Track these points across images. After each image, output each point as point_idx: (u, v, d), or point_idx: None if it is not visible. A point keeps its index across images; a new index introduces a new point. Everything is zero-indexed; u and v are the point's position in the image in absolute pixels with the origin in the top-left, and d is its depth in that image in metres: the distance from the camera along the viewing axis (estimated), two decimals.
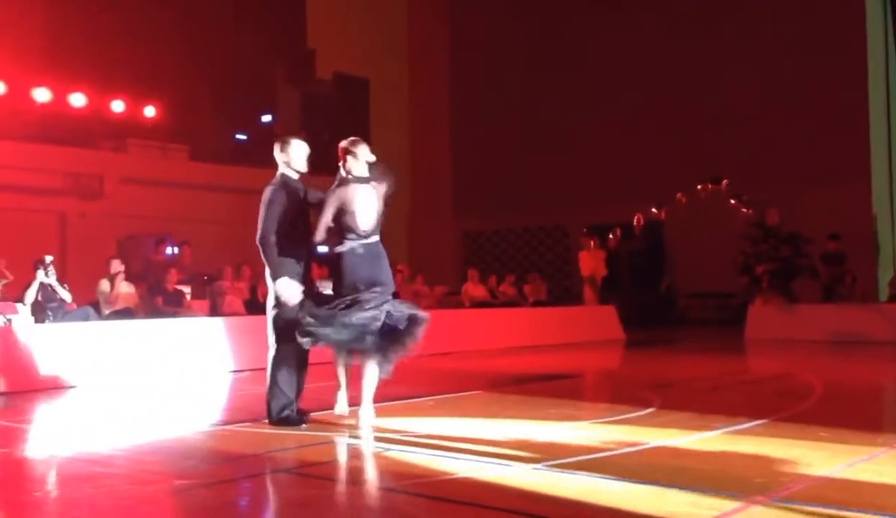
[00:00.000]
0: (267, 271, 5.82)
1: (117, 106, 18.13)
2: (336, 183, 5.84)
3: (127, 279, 11.25)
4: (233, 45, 20.37)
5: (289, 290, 5.70)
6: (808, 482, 4.16)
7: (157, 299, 11.38)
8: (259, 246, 5.76)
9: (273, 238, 5.69)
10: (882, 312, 14.07)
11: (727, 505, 3.76)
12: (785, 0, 19.30)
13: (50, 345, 9.05)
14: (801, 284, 15.29)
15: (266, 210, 5.75)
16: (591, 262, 16.88)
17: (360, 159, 5.86)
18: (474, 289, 15.56)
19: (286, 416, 5.86)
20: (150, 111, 18.65)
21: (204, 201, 18.50)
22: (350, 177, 5.83)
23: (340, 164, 5.87)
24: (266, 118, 22.27)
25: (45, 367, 8.89)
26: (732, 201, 16.03)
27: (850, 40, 18.70)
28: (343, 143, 5.93)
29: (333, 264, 5.80)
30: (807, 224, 15.50)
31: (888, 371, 10.43)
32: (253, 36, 20.77)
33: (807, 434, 5.42)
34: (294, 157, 5.95)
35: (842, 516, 3.57)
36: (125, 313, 10.71)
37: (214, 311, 11.98)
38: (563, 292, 19.37)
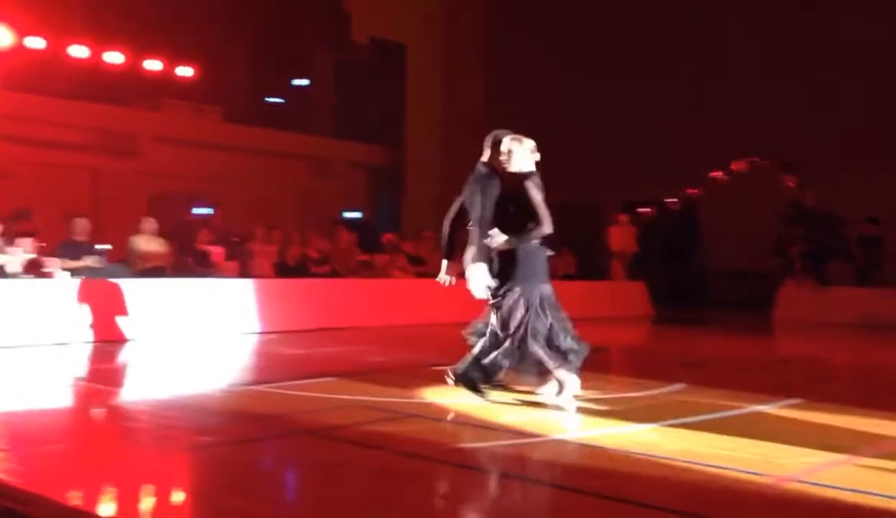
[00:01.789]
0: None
1: (153, 65, 18.16)
2: (532, 175, 5.81)
3: (159, 237, 11.32)
4: (269, 7, 20.30)
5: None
6: (836, 465, 4.08)
7: (187, 259, 11.46)
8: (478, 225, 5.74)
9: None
10: None
11: (754, 482, 3.71)
12: None
13: (84, 299, 9.14)
14: (835, 267, 15.04)
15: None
16: (621, 237, 16.72)
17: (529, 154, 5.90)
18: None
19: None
20: (185, 71, 18.66)
21: (236, 163, 18.54)
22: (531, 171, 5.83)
23: (508, 157, 5.83)
24: (300, 82, 22.21)
25: (78, 320, 8.99)
26: (783, 174, 15.79)
27: None
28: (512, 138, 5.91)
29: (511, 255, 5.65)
30: (845, 206, 15.20)
31: None
32: None
33: (833, 417, 5.33)
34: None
35: (860, 497, 3.51)
36: (156, 271, 10.80)
37: (244, 273, 12.04)
38: (593, 268, 19.23)
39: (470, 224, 5.84)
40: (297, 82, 22.15)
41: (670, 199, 17.37)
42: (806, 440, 4.64)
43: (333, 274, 12.62)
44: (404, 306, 12.13)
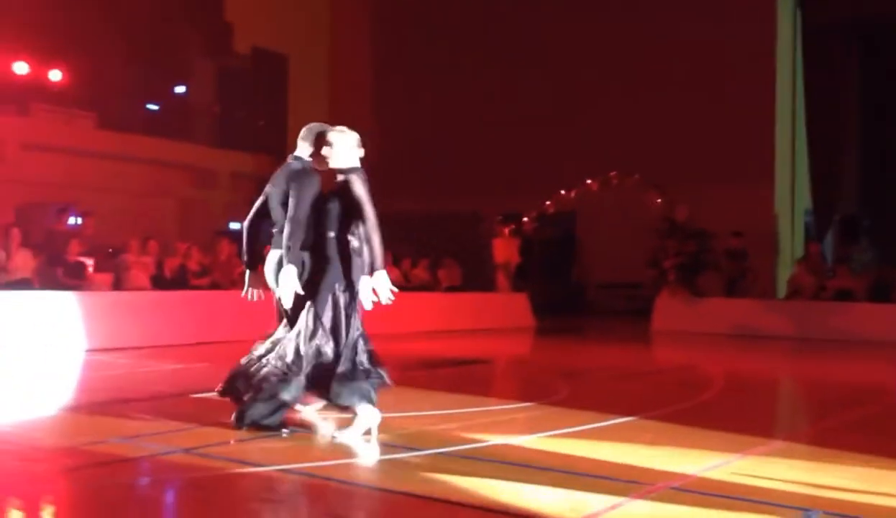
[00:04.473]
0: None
1: (20, 68, 17.31)
2: (356, 170, 5.10)
3: (24, 248, 10.77)
4: (147, 11, 19.69)
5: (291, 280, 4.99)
6: (706, 471, 4.26)
7: (56, 271, 10.93)
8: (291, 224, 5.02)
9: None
10: (780, 309, 14.60)
11: (628, 491, 3.82)
12: (698, 1, 19.72)
13: None
14: (705, 279, 15.73)
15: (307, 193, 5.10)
16: (505, 249, 17.01)
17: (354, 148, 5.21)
18: (388, 272, 15.46)
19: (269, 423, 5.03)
20: (55, 75, 17.87)
21: (111, 171, 17.87)
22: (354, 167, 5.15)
23: (330, 150, 5.11)
24: (179, 89, 21.63)
25: None
26: (651, 191, 16.40)
27: (761, 43, 19.25)
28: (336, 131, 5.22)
29: (325, 257, 5.06)
30: (712, 221, 15.93)
31: (784, 366, 10.85)
32: (169, 3, 20.12)
33: (705, 424, 5.57)
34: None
35: (734, 504, 3.67)
36: (22, 284, 10.26)
37: (118, 285, 11.59)
38: (477, 278, 19.48)
39: (275, 227, 5.17)
40: (177, 89, 21.57)
41: (547, 203, 17.80)
42: (683, 446, 4.82)
43: (214, 286, 12.31)
44: None
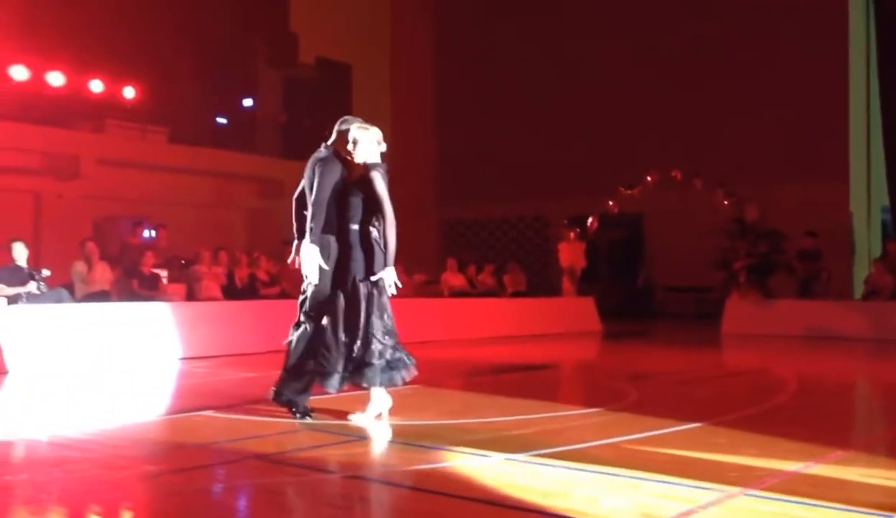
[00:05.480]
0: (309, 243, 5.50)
1: (96, 86, 17.89)
2: (378, 166, 5.53)
3: (102, 261, 11.14)
4: (214, 26, 20.13)
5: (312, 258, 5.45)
6: (781, 476, 4.18)
7: (132, 282, 11.28)
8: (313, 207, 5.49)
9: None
10: (857, 309, 14.19)
11: (702, 497, 3.77)
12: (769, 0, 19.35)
13: (23, 327, 8.93)
14: (777, 280, 15.39)
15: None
16: (570, 253, 16.89)
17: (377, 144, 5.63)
18: (453, 278, 15.54)
19: (298, 401, 5.63)
20: (129, 92, 18.43)
21: (182, 184, 18.32)
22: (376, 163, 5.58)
23: (353, 146, 5.56)
24: (247, 102, 22.06)
25: (17, 349, 8.77)
26: (718, 190, 16.10)
27: (833, 41, 18.78)
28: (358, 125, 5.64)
29: (349, 246, 5.49)
30: (785, 221, 15.59)
31: (861, 368, 10.53)
32: (235, 17, 20.55)
33: (779, 429, 5.45)
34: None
35: (812, 510, 3.59)
36: (100, 296, 10.61)
37: (191, 296, 11.89)
38: (543, 283, 19.39)
39: (307, 210, 5.59)
40: (244, 102, 21.99)
41: (610, 202, 17.60)
42: (757, 451, 4.73)
43: (283, 295, 12.53)
44: None
